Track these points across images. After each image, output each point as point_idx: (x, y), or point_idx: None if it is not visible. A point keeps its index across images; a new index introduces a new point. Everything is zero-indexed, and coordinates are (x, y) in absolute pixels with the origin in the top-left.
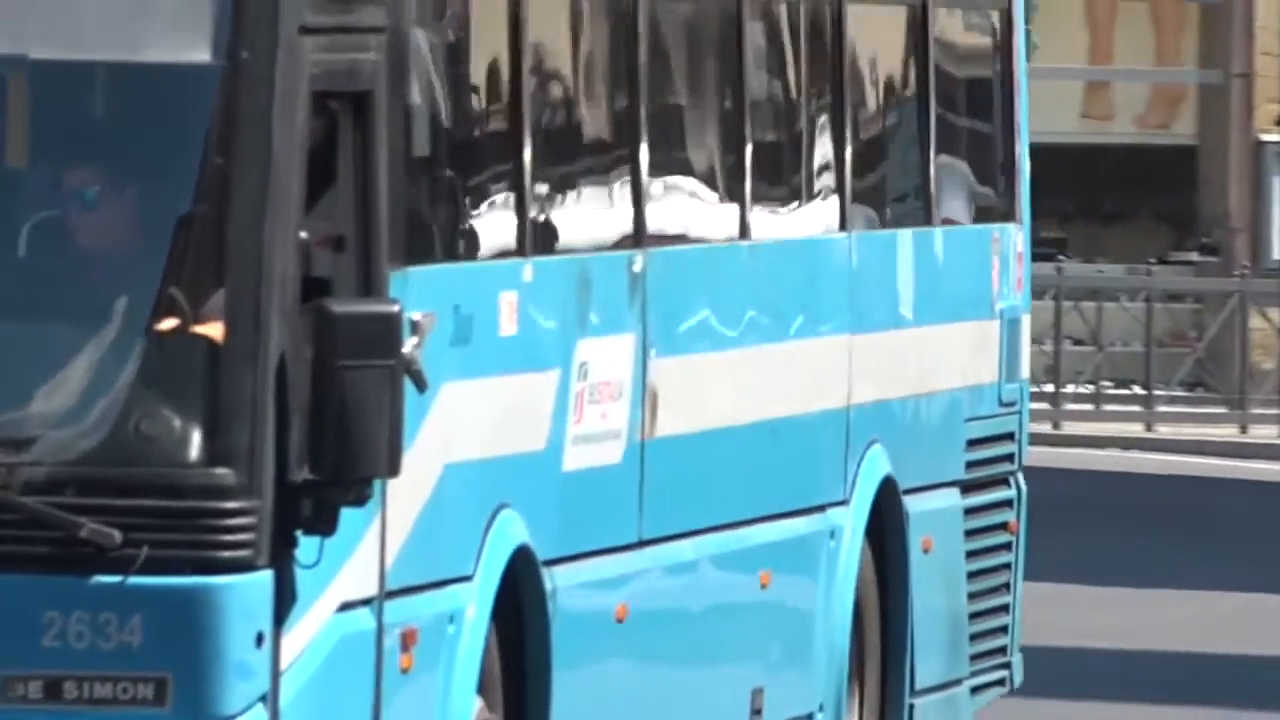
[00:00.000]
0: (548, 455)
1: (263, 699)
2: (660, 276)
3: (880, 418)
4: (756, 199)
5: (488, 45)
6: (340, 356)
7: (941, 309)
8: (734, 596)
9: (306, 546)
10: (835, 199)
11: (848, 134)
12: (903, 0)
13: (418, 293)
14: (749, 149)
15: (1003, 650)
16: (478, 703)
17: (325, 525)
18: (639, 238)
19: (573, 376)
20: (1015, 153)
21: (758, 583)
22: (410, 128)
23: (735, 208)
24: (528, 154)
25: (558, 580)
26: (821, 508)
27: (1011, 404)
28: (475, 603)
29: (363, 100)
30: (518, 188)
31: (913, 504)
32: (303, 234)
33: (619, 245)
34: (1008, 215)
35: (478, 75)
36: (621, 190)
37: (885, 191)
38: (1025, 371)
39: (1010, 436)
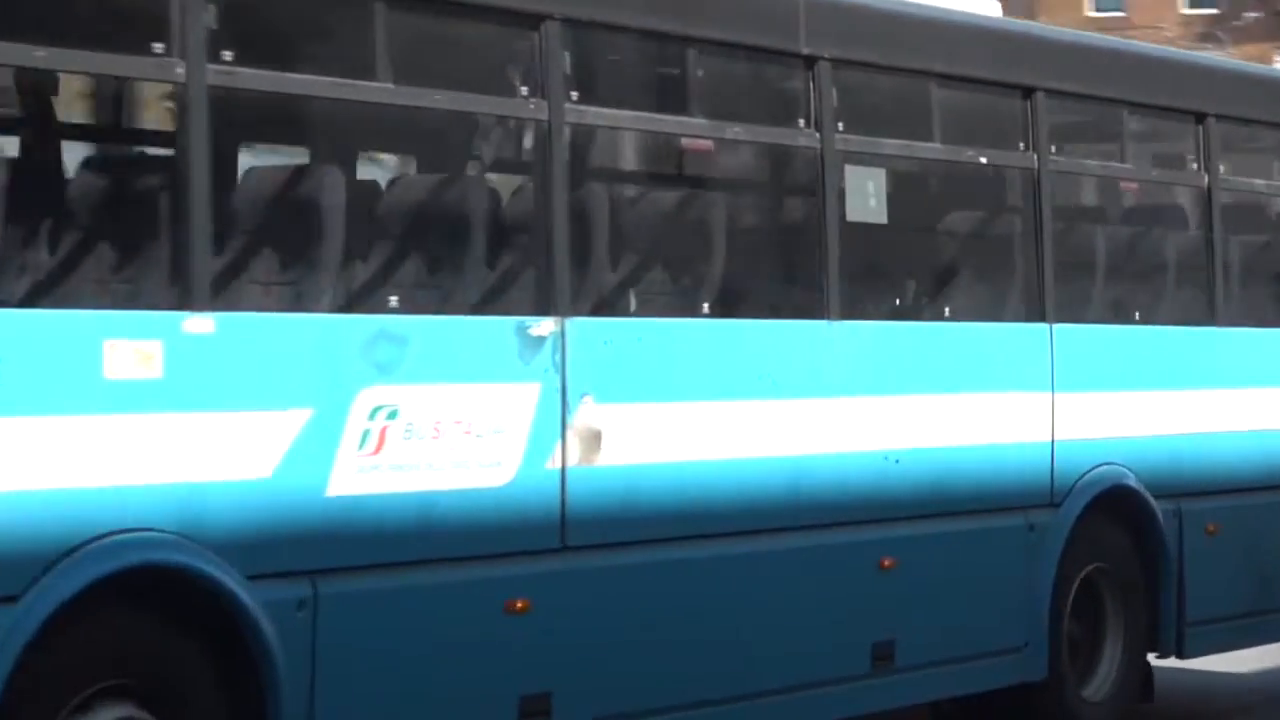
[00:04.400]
0: (279, 482)
1: None
2: (587, 340)
3: (1116, 449)
4: (951, 290)
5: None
6: None
7: (1216, 378)
8: (811, 580)
9: None
10: (1033, 296)
11: (1047, 245)
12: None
13: None
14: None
15: None
16: (122, 709)
17: None
18: (552, 306)
19: (352, 415)
20: None
21: (875, 565)
22: None
23: (815, 292)
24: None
25: (321, 588)
26: (1020, 508)
27: None
28: (14, 620)
29: None
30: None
31: (1188, 504)
32: None
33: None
34: None
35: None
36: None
37: (1112, 293)
38: None
39: None
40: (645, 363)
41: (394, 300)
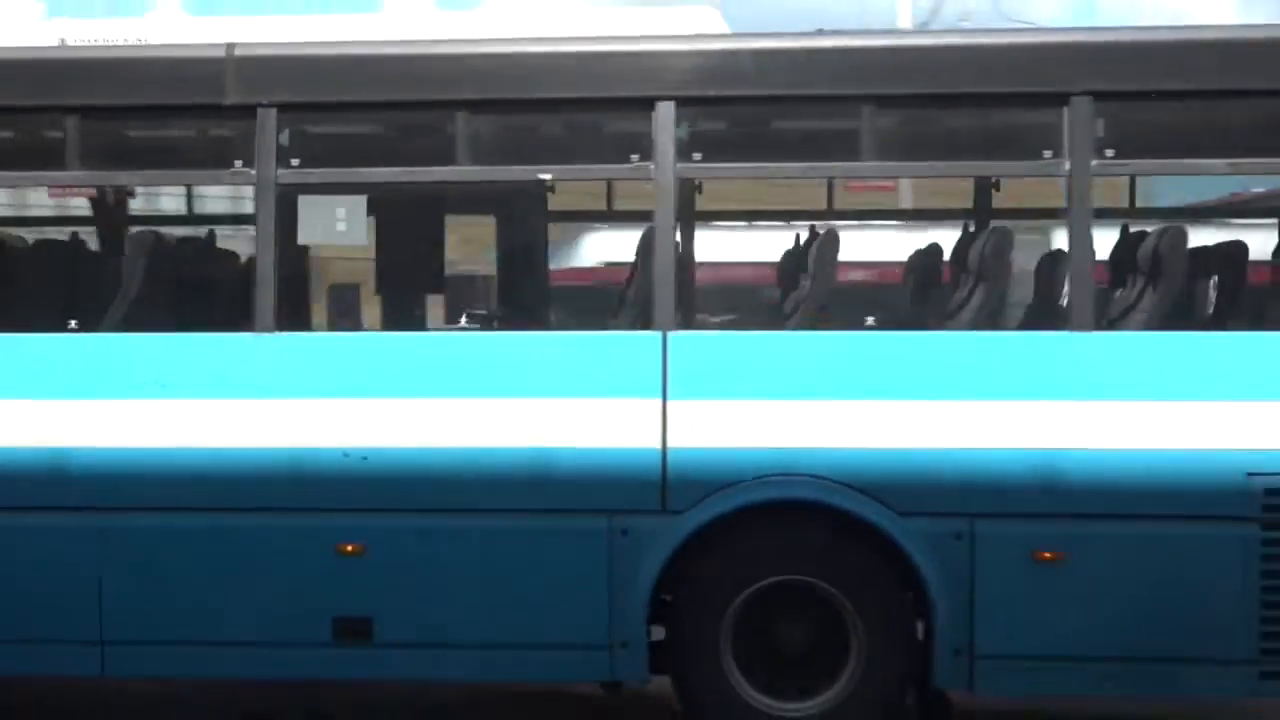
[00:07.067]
0: None
1: None
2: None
3: (813, 460)
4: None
5: None
6: None
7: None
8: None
9: None
10: (644, 303)
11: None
12: None
13: None
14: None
15: None
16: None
17: None
18: None
19: None
20: None
21: (332, 549)
22: None
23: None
24: None
25: None
26: (603, 512)
27: None
28: None
29: None
30: None
31: (989, 525)
32: None
33: None
34: None
35: None
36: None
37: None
38: None
39: None
40: None
41: None
